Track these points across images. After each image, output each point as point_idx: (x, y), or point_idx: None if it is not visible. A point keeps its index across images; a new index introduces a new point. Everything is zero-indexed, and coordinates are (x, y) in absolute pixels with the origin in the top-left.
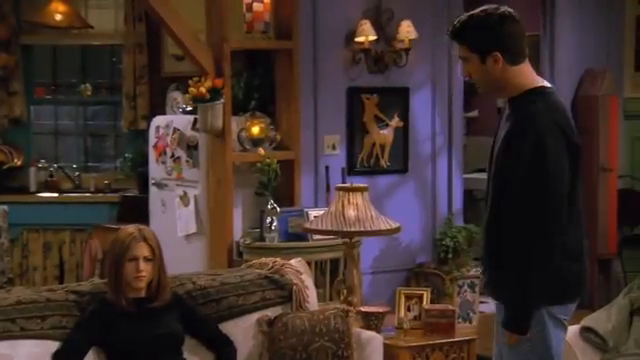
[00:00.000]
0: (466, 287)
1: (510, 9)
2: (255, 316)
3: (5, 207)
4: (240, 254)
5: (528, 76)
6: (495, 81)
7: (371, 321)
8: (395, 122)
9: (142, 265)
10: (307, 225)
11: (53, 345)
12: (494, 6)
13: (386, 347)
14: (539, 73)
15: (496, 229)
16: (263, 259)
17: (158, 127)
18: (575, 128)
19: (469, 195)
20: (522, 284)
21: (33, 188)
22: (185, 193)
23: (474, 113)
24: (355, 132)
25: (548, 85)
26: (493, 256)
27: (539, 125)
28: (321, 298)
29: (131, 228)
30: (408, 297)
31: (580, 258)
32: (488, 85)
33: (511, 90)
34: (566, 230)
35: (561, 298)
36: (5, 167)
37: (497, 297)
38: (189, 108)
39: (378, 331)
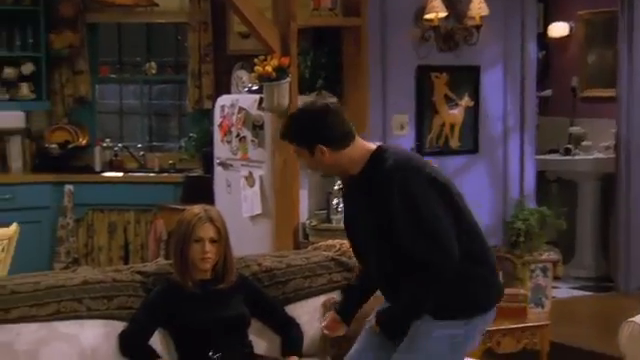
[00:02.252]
0: (538, 271)
1: (327, 102)
2: (321, 299)
3: (70, 187)
4: (306, 236)
5: (360, 149)
6: (330, 167)
7: None
8: (465, 101)
9: (208, 246)
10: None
11: (119, 325)
12: (309, 102)
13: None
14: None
15: (394, 272)
16: (330, 241)
17: (223, 106)
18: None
19: (541, 176)
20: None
21: (98, 168)
22: (250, 173)
23: (547, 92)
24: (424, 112)
25: (381, 144)
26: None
27: (398, 176)
28: None
29: (197, 208)
30: None
31: (484, 264)
32: (327, 170)
33: (351, 168)
34: (465, 246)
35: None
36: (70, 146)
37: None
38: (255, 87)
39: None
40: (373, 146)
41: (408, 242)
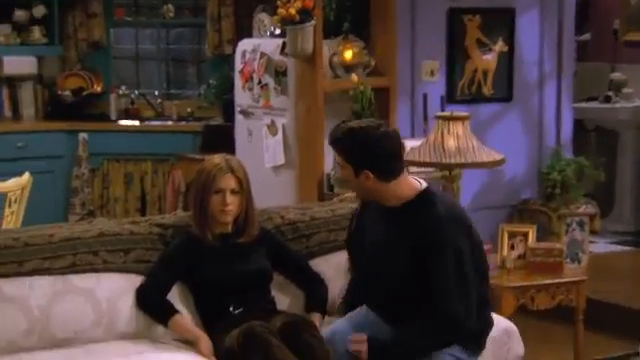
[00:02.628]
0: (575, 225)
1: (390, 128)
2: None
3: (85, 135)
4: (331, 187)
5: (405, 185)
6: (368, 193)
7: None
8: (499, 46)
9: (229, 198)
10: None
11: (136, 279)
12: (376, 123)
13: None
14: None
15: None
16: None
17: (244, 51)
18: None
19: (579, 125)
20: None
21: (113, 116)
22: (273, 122)
23: (586, 36)
24: (456, 57)
25: (428, 186)
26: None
27: (451, 229)
28: None
29: (217, 158)
30: (512, 234)
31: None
32: (363, 194)
33: (390, 201)
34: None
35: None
36: (85, 93)
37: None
38: (277, 31)
39: None
40: (418, 185)
41: (440, 289)
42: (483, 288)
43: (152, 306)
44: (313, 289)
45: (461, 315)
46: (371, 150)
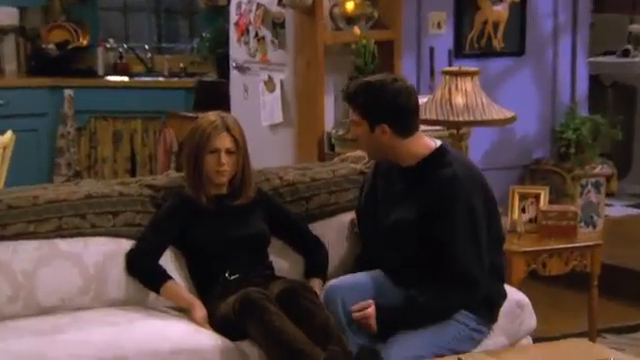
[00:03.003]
0: (590, 187)
1: (407, 82)
2: (349, 216)
3: (70, 91)
4: (332, 147)
5: (420, 143)
6: (382, 150)
7: None
8: None
9: (224, 158)
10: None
11: (127, 244)
12: (392, 77)
13: None
14: None
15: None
16: (358, 152)
17: (239, 2)
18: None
19: (595, 81)
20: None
21: (101, 71)
22: (270, 78)
23: None
24: (464, 8)
25: (443, 143)
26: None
27: (465, 187)
28: None
29: (212, 116)
30: (523, 197)
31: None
32: (376, 152)
33: (404, 159)
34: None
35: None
36: (70, 47)
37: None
38: None
39: None
40: (433, 144)
41: (453, 248)
42: (498, 257)
43: (143, 272)
44: (313, 254)
45: (475, 276)
46: (389, 103)
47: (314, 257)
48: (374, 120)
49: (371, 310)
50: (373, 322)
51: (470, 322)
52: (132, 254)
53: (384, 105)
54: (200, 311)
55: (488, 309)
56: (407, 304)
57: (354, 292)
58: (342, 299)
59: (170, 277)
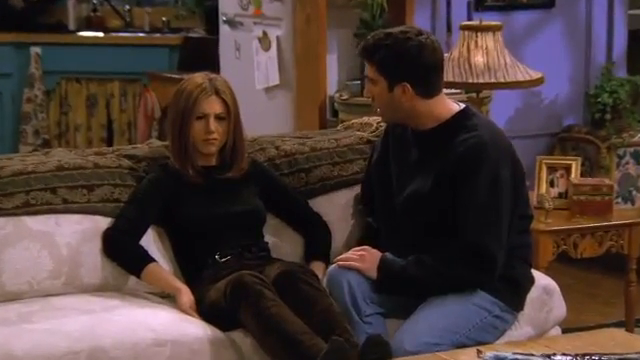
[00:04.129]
0: (628, 157)
1: (432, 36)
2: (354, 190)
3: (37, 49)
4: (335, 112)
5: (443, 105)
6: (400, 111)
7: None
8: None
9: (213, 124)
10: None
11: (103, 222)
12: (416, 30)
13: None
14: None
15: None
16: (365, 118)
17: None
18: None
19: (635, 37)
20: None
21: (72, 26)
22: (265, 34)
23: None
24: None
25: (468, 105)
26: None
27: (491, 154)
28: None
29: (199, 77)
30: (552, 169)
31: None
32: (393, 114)
33: (424, 122)
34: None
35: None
36: None
37: None
38: None
39: None
40: (457, 106)
41: (470, 216)
42: (525, 237)
43: (122, 253)
44: (314, 233)
45: (491, 250)
46: (413, 59)
47: (315, 237)
48: (394, 78)
49: (367, 254)
50: (369, 266)
51: (494, 308)
52: (109, 233)
53: (407, 61)
54: (187, 297)
55: (514, 294)
56: (414, 262)
57: (361, 276)
58: (348, 283)
59: (153, 259)
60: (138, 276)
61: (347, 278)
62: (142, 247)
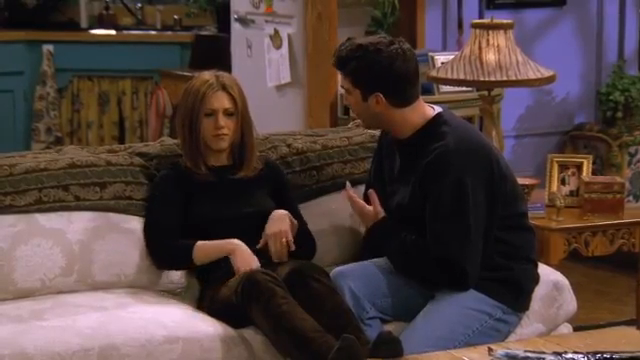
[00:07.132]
0: (639, 156)
1: (405, 45)
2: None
3: (50, 47)
4: (346, 110)
5: (418, 113)
6: (377, 120)
7: None
8: None
9: (222, 120)
10: (433, 73)
11: (115, 219)
12: (388, 40)
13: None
14: None
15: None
16: None
17: None
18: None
19: None
20: None
21: (84, 24)
22: (277, 32)
23: None
24: None
25: (442, 111)
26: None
27: (456, 162)
28: None
29: (207, 75)
30: (563, 167)
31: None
32: (369, 122)
33: (400, 131)
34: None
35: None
36: None
37: None
38: None
39: None
40: (432, 112)
41: (434, 227)
42: (522, 237)
43: (174, 256)
44: (299, 254)
45: (455, 257)
46: (383, 70)
47: (299, 256)
48: (367, 89)
49: (375, 209)
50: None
51: (495, 311)
52: (154, 244)
53: (378, 72)
54: (241, 255)
55: (516, 296)
56: (398, 247)
57: (362, 280)
58: (350, 288)
59: (194, 242)
60: (193, 264)
61: (348, 283)
62: (179, 239)
